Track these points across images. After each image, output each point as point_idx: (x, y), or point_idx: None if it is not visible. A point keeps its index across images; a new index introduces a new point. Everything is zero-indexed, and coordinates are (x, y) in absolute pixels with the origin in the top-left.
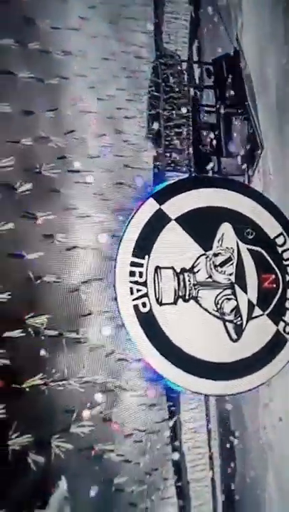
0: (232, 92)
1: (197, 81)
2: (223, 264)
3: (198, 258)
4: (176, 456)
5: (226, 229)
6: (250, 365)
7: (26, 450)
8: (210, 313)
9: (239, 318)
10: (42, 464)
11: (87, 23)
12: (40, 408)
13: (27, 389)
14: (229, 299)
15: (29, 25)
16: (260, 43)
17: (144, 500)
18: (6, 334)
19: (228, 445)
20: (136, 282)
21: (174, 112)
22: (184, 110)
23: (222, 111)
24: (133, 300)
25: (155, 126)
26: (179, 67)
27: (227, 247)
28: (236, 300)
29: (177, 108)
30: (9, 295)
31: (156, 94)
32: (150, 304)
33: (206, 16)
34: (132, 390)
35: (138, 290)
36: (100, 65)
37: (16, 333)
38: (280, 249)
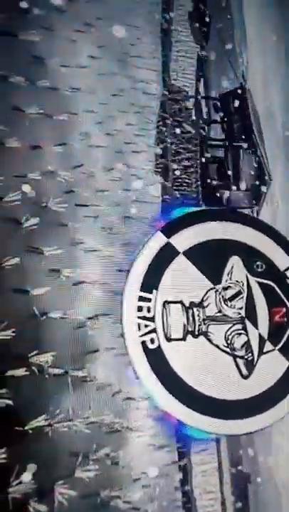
0: (239, 126)
1: (204, 116)
2: (233, 298)
3: (207, 292)
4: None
5: (235, 262)
6: (263, 403)
7: (28, 498)
8: (220, 349)
9: (250, 354)
10: None
11: (96, 62)
12: (44, 451)
13: (30, 431)
14: (240, 334)
15: (38, 64)
16: (265, 78)
17: None
18: (9, 373)
19: (240, 487)
20: (144, 318)
21: (181, 146)
22: (191, 144)
23: (229, 145)
24: (141, 336)
25: (163, 160)
26: (187, 103)
27: (237, 281)
28: (247, 335)
29: (185, 142)
30: (13, 332)
31: (164, 129)
32: (158, 340)
33: (213, 53)
34: (140, 431)
35: (146, 326)
36: (108, 101)
37: (20, 371)
38: None
